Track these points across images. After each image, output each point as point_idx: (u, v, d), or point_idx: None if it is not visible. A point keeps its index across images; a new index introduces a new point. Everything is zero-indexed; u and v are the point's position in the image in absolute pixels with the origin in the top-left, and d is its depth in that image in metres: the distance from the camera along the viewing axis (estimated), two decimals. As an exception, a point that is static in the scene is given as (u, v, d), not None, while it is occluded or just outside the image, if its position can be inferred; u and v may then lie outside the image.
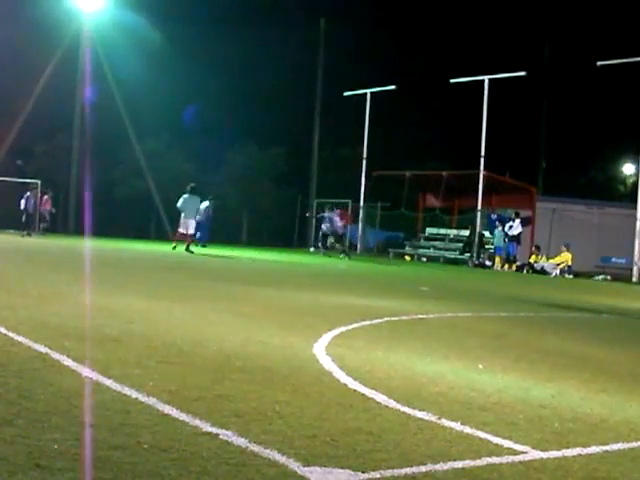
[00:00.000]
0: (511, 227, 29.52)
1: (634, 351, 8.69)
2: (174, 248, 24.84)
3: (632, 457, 4.04)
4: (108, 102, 38.59)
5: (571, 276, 27.52)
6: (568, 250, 28.30)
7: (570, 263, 28.06)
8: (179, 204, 24.80)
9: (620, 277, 27.34)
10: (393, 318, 9.53)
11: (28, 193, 32.22)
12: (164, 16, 40.55)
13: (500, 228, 30.48)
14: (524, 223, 30.52)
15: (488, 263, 30.77)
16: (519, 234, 29.61)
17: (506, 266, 29.70)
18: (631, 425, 4.72)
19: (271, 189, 44.17)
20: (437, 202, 37.39)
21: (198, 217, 26.86)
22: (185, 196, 24.77)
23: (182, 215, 24.68)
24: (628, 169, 54.22)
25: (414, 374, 5.81)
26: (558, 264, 28.21)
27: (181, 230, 24.77)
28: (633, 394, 5.79)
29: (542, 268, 28.07)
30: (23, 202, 31.90)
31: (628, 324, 12.48)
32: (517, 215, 29.95)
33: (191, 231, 24.86)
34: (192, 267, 19.03)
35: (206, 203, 30.12)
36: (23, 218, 31.94)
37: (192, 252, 23.74)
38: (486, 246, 32.04)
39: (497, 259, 30.57)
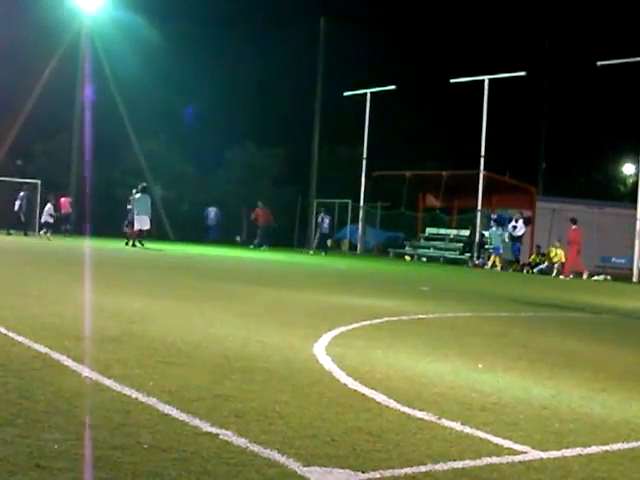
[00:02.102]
0: (515, 227, 29.47)
1: (634, 351, 8.69)
2: (138, 244, 26.12)
3: (632, 457, 4.04)
4: (108, 102, 38.54)
5: (571, 276, 27.50)
6: (561, 245, 28.36)
7: (563, 259, 28.04)
8: (136, 203, 26.66)
9: (620, 277, 27.33)
10: (393, 318, 9.54)
11: (22, 193, 32.11)
12: (164, 16, 40.54)
13: (494, 228, 30.49)
14: (525, 223, 30.49)
15: (489, 263, 30.76)
16: (522, 234, 29.58)
17: (499, 266, 29.66)
18: (631, 425, 4.72)
19: (271, 189, 44.12)
20: (437, 202, 37.38)
21: (209, 221, 30.71)
22: (137, 195, 26.62)
23: (135, 213, 26.53)
24: (628, 169, 54.19)
25: (414, 374, 5.82)
26: (554, 263, 28.18)
27: (138, 227, 26.55)
28: (633, 394, 5.79)
29: (542, 271, 28.02)
30: (18, 202, 31.79)
31: (628, 324, 12.48)
32: (521, 215, 29.92)
33: (146, 227, 26.89)
34: (192, 267, 19.05)
35: (214, 209, 36.20)
36: (22, 218, 31.79)
37: (135, 246, 25.72)
38: (486, 246, 32.04)
39: (492, 259, 30.53)
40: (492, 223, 31.17)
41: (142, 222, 26.52)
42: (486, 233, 32.16)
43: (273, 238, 35.56)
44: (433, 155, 44.74)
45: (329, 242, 40.49)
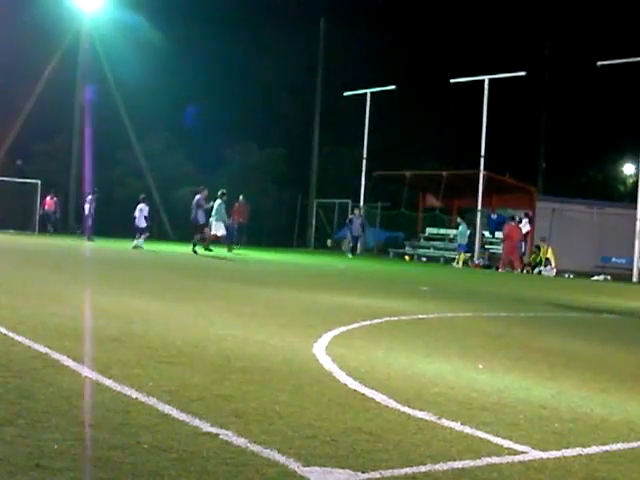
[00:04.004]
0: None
1: (634, 351, 8.69)
2: (208, 249, 25.52)
3: (632, 457, 4.04)
4: (108, 102, 38.56)
5: (572, 276, 27.48)
6: (545, 244, 28.61)
7: (548, 255, 28.30)
8: (215, 209, 26.11)
9: (620, 277, 27.32)
10: (393, 318, 9.53)
11: (90, 197, 31.29)
12: (163, 16, 40.53)
13: (461, 227, 30.82)
14: (529, 221, 30.42)
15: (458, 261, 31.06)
16: (527, 233, 29.59)
17: (461, 262, 30.05)
18: (631, 425, 4.72)
19: (271, 189, 44.14)
20: (437, 202, 37.36)
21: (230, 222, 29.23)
22: (218, 202, 26.22)
23: (214, 219, 26.04)
24: (628, 169, 54.18)
25: (414, 374, 5.82)
26: (547, 262, 28.27)
27: (215, 232, 26.14)
28: (633, 394, 5.79)
29: (540, 272, 28.01)
30: (87, 207, 30.92)
31: (628, 324, 12.48)
32: (526, 215, 29.92)
33: (222, 232, 26.46)
34: (192, 267, 19.04)
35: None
36: (89, 222, 30.86)
37: (211, 250, 24.90)
38: (486, 246, 32.08)
39: (461, 256, 30.74)
40: (459, 220, 31.41)
41: (218, 228, 26.36)
42: (486, 233, 32.19)
43: (250, 238, 34.73)
44: (433, 155, 44.74)
45: (329, 242, 40.48)
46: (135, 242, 26.04)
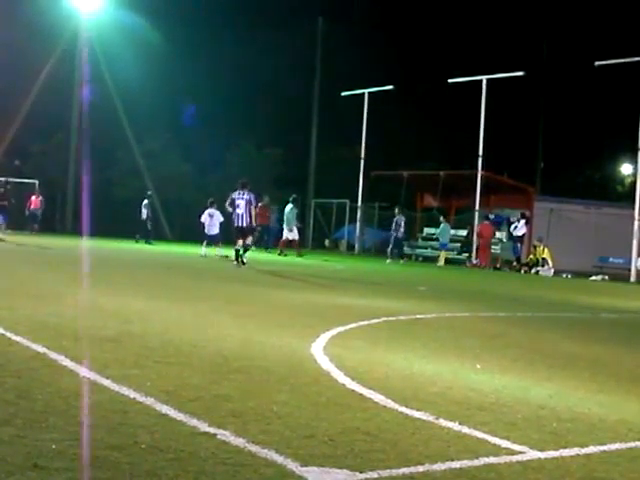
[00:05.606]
0: (516, 227, 29.53)
1: (632, 351, 8.69)
2: (280, 254, 26.45)
3: (630, 457, 4.04)
4: (106, 102, 38.54)
5: (570, 276, 27.50)
6: (541, 243, 28.73)
7: (544, 255, 28.42)
8: (287, 213, 26.89)
9: (618, 277, 27.33)
10: (391, 318, 9.54)
11: (146, 201, 30.86)
12: (162, 16, 40.52)
13: (443, 225, 31.10)
14: (526, 223, 30.46)
15: (439, 260, 31.14)
16: (523, 235, 29.65)
17: (443, 262, 30.29)
18: (629, 425, 4.72)
19: (269, 189, 44.12)
20: (435, 202, 37.36)
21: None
22: (289, 207, 26.80)
23: (286, 224, 26.83)
24: (626, 169, 54.18)
25: (412, 374, 5.82)
26: (544, 262, 28.32)
27: (290, 237, 27.14)
28: (631, 394, 5.80)
29: (538, 273, 28.03)
30: (145, 211, 30.48)
31: (626, 324, 12.49)
32: (523, 216, 29.95)
33: (296, 237, 27.35)
34: (190, 267, 19.03)
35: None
36: (149, 226, 30.41)
37: (285, 255, 25.39)
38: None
39: (442, 254, 30.90)
40: (441, 219, 31.55)
41: (290, 233, 27.08)
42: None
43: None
44: (431, 155, 44.75)
45: (327, 242, 40.46)
46: (216, 251, 23.62)
